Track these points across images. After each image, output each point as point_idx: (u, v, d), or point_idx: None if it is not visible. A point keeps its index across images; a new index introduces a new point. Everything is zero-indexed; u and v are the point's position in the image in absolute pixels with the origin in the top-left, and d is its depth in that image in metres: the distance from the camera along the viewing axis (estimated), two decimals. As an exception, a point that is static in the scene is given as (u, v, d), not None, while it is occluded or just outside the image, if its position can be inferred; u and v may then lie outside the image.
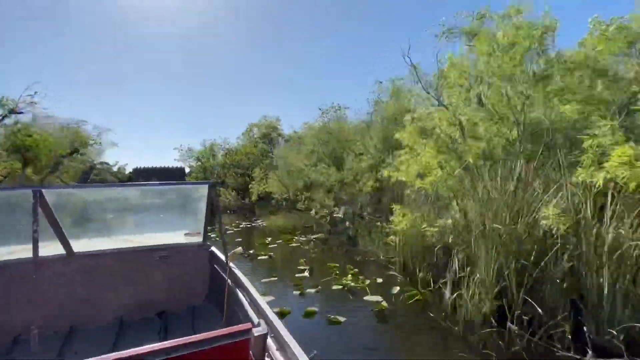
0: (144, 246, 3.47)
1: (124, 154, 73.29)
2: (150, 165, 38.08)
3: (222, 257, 3.45)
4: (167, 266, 3.54)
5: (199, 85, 64.45)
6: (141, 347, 1.21)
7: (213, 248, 3.80)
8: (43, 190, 2.58)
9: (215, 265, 3.68)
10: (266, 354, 1.76)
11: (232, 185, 25.46)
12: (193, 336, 1.32)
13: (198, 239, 3.72)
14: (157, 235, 3.62)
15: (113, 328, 3.13)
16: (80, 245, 3.15)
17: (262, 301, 2.44)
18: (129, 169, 37.13)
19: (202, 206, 3.46)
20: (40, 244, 2.85)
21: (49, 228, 2.82)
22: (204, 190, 3.33)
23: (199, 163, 26.55)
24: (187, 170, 35.67)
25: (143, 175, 34.37)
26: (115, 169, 35.01)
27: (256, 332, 1.51)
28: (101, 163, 31.32)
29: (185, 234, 3.69)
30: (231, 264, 3.19)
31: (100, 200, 3.31)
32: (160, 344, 1.26)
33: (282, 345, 1.86)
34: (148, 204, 3.59)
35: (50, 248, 3.00)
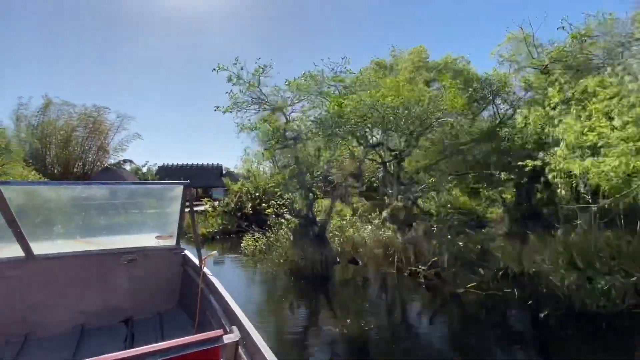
0: (110, 249, 3.29)
1: (157, 153, 74.42)
2: (180, 163, 33.66)
3: (196, 261, 3.27)
4: (136, 270, 3.36)
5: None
6: (103, 356, 1.13)
7: (186, 252, 3.62)
8: (0, 186, 2.41)
9: (187, 270, 3.49)
10: None
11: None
12: (160, 343, 1.25)
13: (170, 242, 3.52)
14: (126, 237, 3.45)
15: (73, 336, 2.95)
16: (41, 247, 2.99)
17: (236, 307, 2.32)
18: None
19: (176, 208, 3.27)
20: None
21: (6, 228, 2.65)
22: (178, 191, 3.15)
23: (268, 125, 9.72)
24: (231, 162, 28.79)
25: (170, 174, 30.51)
26: (145, 169, 32.76)
27: (227, 339, 1.45)
28: (124, 161, 27.90)
29: (157, 237, 3.49)
30: (205, 269, 3.01)
31: (66, 198, 3.14)
32: (124, 352, 1.17)
33: (255, 353, 1.77)
34: (118, 204, 3.41)
35: (8, 250, 2.85)
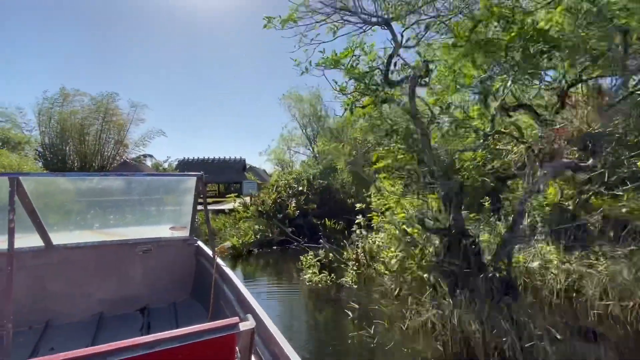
0: (126, 239, 3.36)
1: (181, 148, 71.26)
2: (200, 157, 31.25)
3: (209, 251, 3.34)
4: (150, 261, 3.43)
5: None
6: (123, 341, 1.16)
7: (199, 242, 3.67)
8: (20, 178, 2.46)
9: (201, 260, 3.57)
10: (253, 349, 1.71)
11: None
12: (178, 330, 1.28)
13: (184, 233, 3.58)
14: (141, 228, 3.52)
15: (92, 323, 3.05)
16: (59, 237, 3.07)
17: (250, 296, 2.35)
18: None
19: (190, 199, 3.33)
20: (16, 235, 2.72)
21: (26, 218, 2.73)
22: (191, 182, 3.20)
23: None
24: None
25: (190, 169, 27.58)
26: (166, 165, 31.29)
27: (243, 326, 1.46)
28: (145, 155, 26.73)
29: (170, 228, 3.55)
30: (218, 259, 3.06)
31: (83, 190, 3.21)
32: (143, 337, 1.20)
33: (269, 341, 1.82)
34: (133, 195, 3.47)
35: (28, 239, 2.93)
